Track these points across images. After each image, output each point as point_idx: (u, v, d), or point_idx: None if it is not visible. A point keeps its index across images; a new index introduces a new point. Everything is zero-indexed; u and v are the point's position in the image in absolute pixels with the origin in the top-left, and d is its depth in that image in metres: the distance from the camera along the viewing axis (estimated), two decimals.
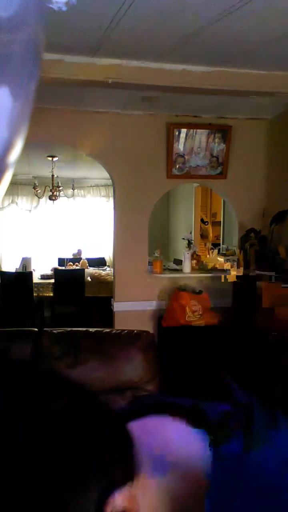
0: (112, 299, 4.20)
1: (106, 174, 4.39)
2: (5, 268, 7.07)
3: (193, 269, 4.19)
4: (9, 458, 0.38)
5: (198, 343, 3.69)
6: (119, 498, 0.42)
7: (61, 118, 3.82)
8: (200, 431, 0.51)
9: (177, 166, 4.01)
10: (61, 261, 6.99)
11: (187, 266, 4.15)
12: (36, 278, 6.01)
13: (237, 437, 0.49)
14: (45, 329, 2.93)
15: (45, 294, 5.93)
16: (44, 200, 7.22)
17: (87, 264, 6.80)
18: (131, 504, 0.42)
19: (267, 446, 0.48)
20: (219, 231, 6.21)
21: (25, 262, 6.25)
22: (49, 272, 6.34)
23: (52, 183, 6.26)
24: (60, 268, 6.47)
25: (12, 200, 7.62)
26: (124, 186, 4.03)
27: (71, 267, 6.56)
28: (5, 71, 0.28)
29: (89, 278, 6.01)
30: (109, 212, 6.88)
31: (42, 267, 6.71)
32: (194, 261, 4.25)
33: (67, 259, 6.98)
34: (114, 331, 2.91)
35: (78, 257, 7.27)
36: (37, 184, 6.54)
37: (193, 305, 3.80)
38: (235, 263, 4.07)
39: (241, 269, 3.97)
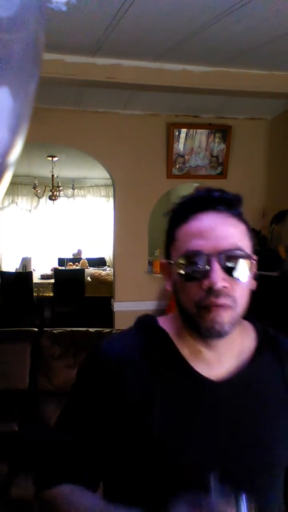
0: (112, 299, 4.20)
1: (106, 174, 4.39)
2: (5, 268, 7.06)
3: None
4: None
5: None
6: None
7: (61, 118, 3.82)
8: None
9: (177, 166, 4.01)
10: (61, 261, 6.99)
11: None
12: (36, 278, 6.01)
13: None
14: (45, 329, 2.93)
15: (45, 294, 5.92)
16: (44, 200, 7.22)
17: (87, 264, 6.80)
18: None
19: None
20: None
21: (25, 262, 6.25)
22: (49, 272, 6.34)
23: (52, 183, 6.26)
24: (60, 268, 6.47)
25: (12, 200, 7.62)
26: (124, 186, 4.03)
27: (71, 267, 6.56)
28: (5, 71, 0.28)
29: (89, 278, 6.01)
30: (109, 212, 6.88)
31: (42, 267, 6.71)
32: None
33: (67, 259, 6.98)
34: (114, 331, 2.91)
35: (78, 257, 7.27)
36: (37, 184, 6.54)
37: None
38: None
39: None
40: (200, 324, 0.73)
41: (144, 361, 0.79)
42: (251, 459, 0.77)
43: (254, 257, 0.77)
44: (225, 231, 0.74)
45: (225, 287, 0.71)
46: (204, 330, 0.73)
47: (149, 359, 0.79)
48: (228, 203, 0.77)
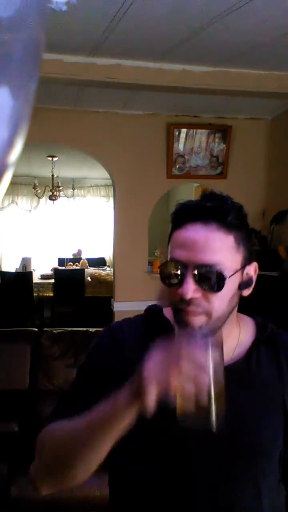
0: (112, 299, 4.20)
1: (106, 174, 4.39)
2: (5, 268, 7.06)
3: None
4: None
5: None
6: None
7: (61, 118, 3.82)
8: None
9: (177, 166, 4.01)
10: (61, 261, 6.99)
11: None
12: (36, 278, 6.01)
13: None
14: (45, 329, 2.93)
15: (45, 294, 5.92)
16: (44, 200, 7.22)
17: (87, 264, 6.80)
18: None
19: None
20: None
21: (25, 262, 6.25)
22: (49, 272, 6.34)
23: (52, 183, 6.26)
24: (60, 268, 6.48)
25: (12, 200, 7.62)
26: (124, 186, 4.03)
27: (71, 267, 6.56)
28: (5, 71, 0.28)
29: (89, 278, 6.01)
30: (109, 212, 6.88)
31: (42, 267, 6.71)
32: None
33: (67, 259, 6.99)
34: None
35: (78, 257, 7.27)
36: (37, 184, 6.54)
37: None
38: None
39: None
40: (178, 322, 0.82)
41: (146, 344, 0.83)
42: (237, 447, 0.84)
43: (253, 264, 0.86)
44: (207, 246, 0.78)
45: (195, 298, 0.78)
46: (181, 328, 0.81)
47: (151, 343, 0.83)
48: (219, 215, 0.81)
